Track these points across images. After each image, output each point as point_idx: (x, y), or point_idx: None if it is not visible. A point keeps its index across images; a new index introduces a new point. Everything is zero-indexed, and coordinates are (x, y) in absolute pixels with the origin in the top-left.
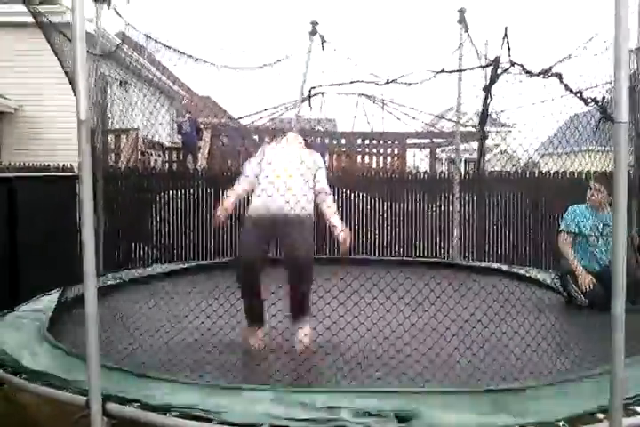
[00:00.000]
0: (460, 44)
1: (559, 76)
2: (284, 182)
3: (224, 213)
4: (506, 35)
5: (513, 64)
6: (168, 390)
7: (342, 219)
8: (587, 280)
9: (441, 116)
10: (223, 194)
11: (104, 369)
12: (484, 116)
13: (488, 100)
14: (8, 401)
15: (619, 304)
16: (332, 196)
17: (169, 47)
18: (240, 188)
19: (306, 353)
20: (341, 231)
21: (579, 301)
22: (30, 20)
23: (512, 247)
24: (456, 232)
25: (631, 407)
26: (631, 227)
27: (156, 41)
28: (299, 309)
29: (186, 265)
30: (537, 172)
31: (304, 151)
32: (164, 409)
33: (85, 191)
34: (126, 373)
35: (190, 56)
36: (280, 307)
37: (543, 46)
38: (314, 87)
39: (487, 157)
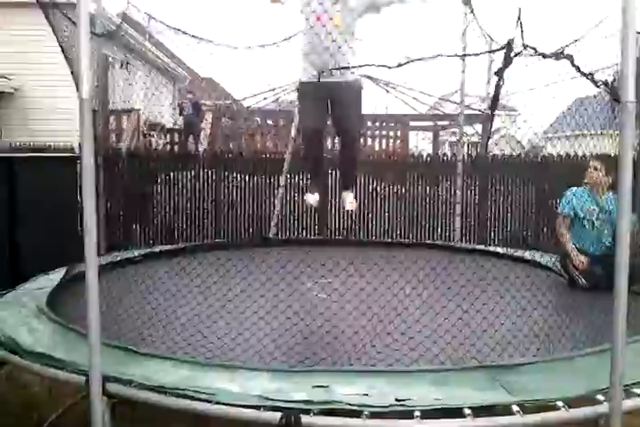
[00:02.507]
0: (466, 26)
1: (571, 58)
2: (329, 35)
3: None
4: (519, 17)
5: (526, 47)
6: (166, 367)
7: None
8: (580, 261)
9: (446, 99)
10: (225, 176)
11: (102, 346)
12: (495, 99)
13: (500, 84)
14: (9, 381)
15: (622, 280)
16: None
17: (171, 27)
18: None
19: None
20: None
21: (580, 283)
22: None
23: (515, 231)
24: (458, 215)
25: (632, 389)
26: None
27: (156, 20)
28: (350, 176)
29: (184, 245)
30: (541, 155)
31: None
32: (164, 389)
33: (87, 170)
34: (124, 350)
35: (193, 36)
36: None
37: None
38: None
39: (493, 139)
